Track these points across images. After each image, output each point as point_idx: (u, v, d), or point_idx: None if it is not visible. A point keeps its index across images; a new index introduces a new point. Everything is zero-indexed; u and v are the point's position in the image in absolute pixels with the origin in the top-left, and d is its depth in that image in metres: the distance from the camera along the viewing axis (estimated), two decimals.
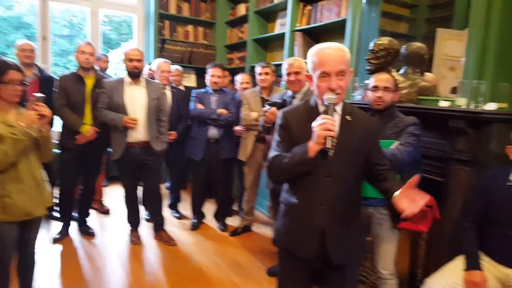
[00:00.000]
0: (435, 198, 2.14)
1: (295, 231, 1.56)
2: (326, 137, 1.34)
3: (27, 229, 2.08)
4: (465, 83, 2.08)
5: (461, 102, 2.07)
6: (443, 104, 2.18)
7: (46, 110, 1.95)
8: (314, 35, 3.88)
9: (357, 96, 2.80)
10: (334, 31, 3.62)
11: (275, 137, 1.60)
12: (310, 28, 3.75)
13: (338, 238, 1.50)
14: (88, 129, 3.10)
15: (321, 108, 1.51)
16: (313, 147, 1.38)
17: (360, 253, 1.67)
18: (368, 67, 2.55)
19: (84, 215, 3.49)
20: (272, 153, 1.56)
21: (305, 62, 2.68)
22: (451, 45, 2.88)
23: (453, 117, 2.03)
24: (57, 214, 3.43)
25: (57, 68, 7.80)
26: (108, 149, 4.12)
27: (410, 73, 2.61)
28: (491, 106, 1.97)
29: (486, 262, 1.85)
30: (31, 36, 7.78)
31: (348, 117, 1.51)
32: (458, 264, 1.88)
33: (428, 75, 2.72)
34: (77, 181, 3.37)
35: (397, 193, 1.40)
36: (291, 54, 3.88)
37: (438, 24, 3.17)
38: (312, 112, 1.52)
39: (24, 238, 2.09)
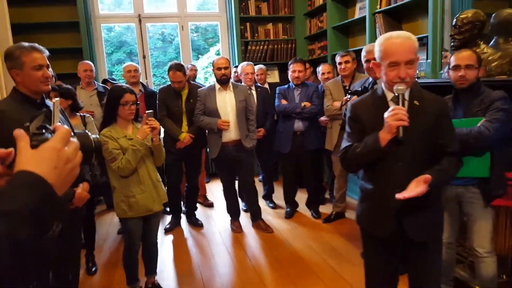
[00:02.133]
0: None
1: (373, 214, 1.66)
2: (398, 127, 1.42)
3: (149, 223, 2.51)
4: None
5: None
6: None
7: (156, 123, 2.38)
8: (395, 15, 3.77)
9: (444, 74, 2.70)
10: (416, 9, 3.49)
11: (346, 129, 1.71)
12: (391, 8, 3.65)
13: (414, 217, 1.57)
14: (185, 136, 3.53)
15: (389, 96, 1.58)
16: (384, 136, 1.47)
17: (438, 230, 1.69)
18: (453, 43, 2.46)
19: (192, 208, 3.97)
20: (344, 143, 1.67)
21: None
22: None
23: None
24: (167, 209, 3.97)
25: (156, 79, 8.68)
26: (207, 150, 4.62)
27: (502, 43, 2.45)
28: None
29: None
30: (130, 52, 8.80)
31: (416, 102, 1.55)
32: None
33: None
34: (181, 179, 3.86)
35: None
36: (373, 37, 3.82)
37: None
38: (380, 101, 1.60)
39: (147, 230, 2.53)
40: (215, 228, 3.82)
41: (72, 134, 0.71)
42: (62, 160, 0.65)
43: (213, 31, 9.53)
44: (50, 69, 1.89)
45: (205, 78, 8.62)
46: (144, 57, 5.40)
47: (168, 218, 3.95)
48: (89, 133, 0.82)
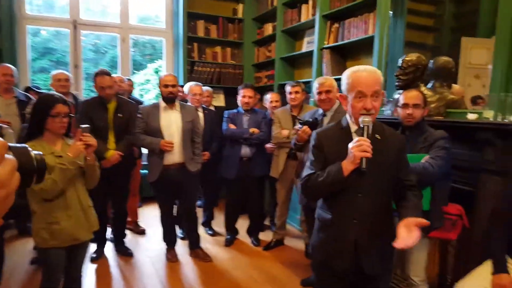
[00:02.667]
0: (465, 207, 2.18)
1: (330, 245, 1.64)
2: (361, 158, 1.43)
3: (74, 254, 2.17)
4: (493, 96, 2.12)
5: (489, 115, 2.11)
6: (471, 116, 2.21)
7: (92, 140, 2.08)
8: (341, 52, 3.96)
9: (387, 111, 2.85)
10: (362, 48, 3.69)
11: (310, 157, 1.70)
12: (338, 45, 3.83)
13: (370, 250, 1.58)
14: (112, 154, 3.23)
15: (353, 128, 1.60)
16: (347, 166, 1.48)
17: (391, 262, 1.73)
18: (397, 83, 2.61)
19: (120, 236, 3.62)
20: (307, 171, 1.65)
21: (335, 80, 2.80)
22: (476, 54, 2.91)
23: (481, 129, 2.07)
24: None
25: (85, 92, 8.19)
26: (142, 171, 4.33)
27: (438, 87, 2.65)
28: None
29: None
30: (57, 61, 8.20)
31: (378, 136, 1.59)
32: (486, 268, 1.93)
33: (455, 87, 2.75)
34: (106, 203, 3.46)
35: (403, 220, 1.47)
36: (319, 71, 3.98)
37: (463, 33, 3.20)
38: (344, 132, 1.62)
39: (72, 263, 2.19)
40: (147, 258, 3.52)
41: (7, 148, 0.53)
42: None
43: (152, 47, 9.28)
44: None
45: (140, 95, 8.31)
46: (76, 66, 5.04)
47: (93, 246, 3.58)
48: (29, 148, 0.61)
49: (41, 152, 0.63)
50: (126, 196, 3.64)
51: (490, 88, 2.19)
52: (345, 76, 1.61)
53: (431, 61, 2.70)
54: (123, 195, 3.56)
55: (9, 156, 0.52)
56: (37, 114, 2.02)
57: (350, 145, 1.48)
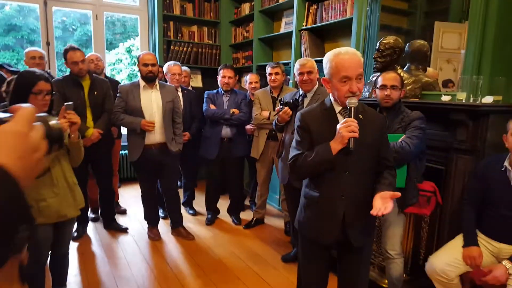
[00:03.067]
0: (438, 185, 2.33)
1: (318, 222, 1.73)
2: (349, 138, 1.51)
3: (61, 231, 2.22)
4: (465, 78, 2.24)
5: (461, 96, 2.24)
6: (445, 98, 2.34)
7: (76, 118, 2.09)
8: (320, 34, 4.01)
9: (364, 93, 2.95)
10: (340, 30, 3.75)
11: (296, 137, 1.76)
12: (316, 27, 3.87)
13: (357, 224, 1.68)
14: (92, 132, 3.20)
15: (338, 109, 1.68)
16: (336, 146, 1.56)
17: (373, 234, 1.85)
18: (375, 65, 2.70)
19: (110, 214, 3.67)
20: (294, 152, 1.72)
21: (315, 61, 2.86)
22: (448, 38, 3.01)
23: (454, 110, 2.19)
24: None
25: (57, 72, 7.90)
26: (122, 152, 4.30)
27: (414, 69, 2.76)
28: (488, 99, 2.14)
29: (482, 239, 2.06)
30: (22, 38, 7.81)
31: (360, 116, 1.67)
32: (458, 242, 2.09)
33: (429, 70, 2.88)
34: (86, 182, 3.40)
35: (378, 193, 1.57)
36: (298, 52, 4.02)
37: (436, 18, 3.31)
38: (328, 113, 1.68)
39: (59, 239, 2.23)
40: (129, 236, 3.56)
41: None
42: (30, 148, 0.52)
43: (122, 25, 8.97)
44: None
45: (112, 75, 8.09)
46: (48, 44, 4.83)
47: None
48: (48, 118, 0.65)
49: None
50: (111, 174, 3.66)
51: (463, 70, 2.32)
52: (327, 60, 1.65)
53: (407, 44, 2.80)
54: (106, 174, 3.57)
55: (37, 123, 0.55)
56: (18, 91, 1.98)
57: (339, 126, 1.55)
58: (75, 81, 3.21)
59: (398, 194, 1.54)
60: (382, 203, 1.52)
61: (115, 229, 3.63)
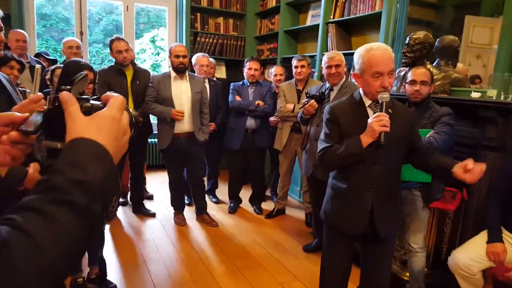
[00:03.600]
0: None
1: (346, 212, 1.78)
2: (380, 132, 1.56)
3: None
4: (497, 75, 2.24)
5: (492, 94, 2.24)
6: (475, 95, 2.34)
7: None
8: (347, 27, 4.00)
9: (392, 88, 2.96)
10: (367, 23, 3.73)
11: (324, 130, 1.81)
12: (343, 20, 3.86)
13: (384, 215, 1.73)
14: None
15: (367, 103, 1.72)
16: (366, 140, 1.61)
17: (397, 226, 1.90)
18: (404, 60, 2.70)
19: (139, 198, 3.83)
20: (323, 144, 1.77)
21: (343, 55, 2.89)
22: (478, 33, 2.96)
23: (484, 107, 2.20)
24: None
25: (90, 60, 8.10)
26: (149, 140, 4.44)
27: (443, 65, 2.76)
28: None
29: (507, 236, 2.08)
30: (50, 27, 8.03)
31: (390, 110, 1.71)
32: (482, 238, 2.11)
33: (459, 66, 2.86)
34: (123, 167, 3.70)
35: (455, 166, 1.57)
36: (324, 46, 4.02)
37: (466, 11, 3.25)
38: (358, 107, 1.73)
39: None
40: (156, 220, 3.71)
41: None
42: (121, 131, 0.60)
43: (146, 15, 9.10)
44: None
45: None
46: (81, 33, 4.99)
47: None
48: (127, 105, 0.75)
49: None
50: (143, 162, 3.85)
51: (495, 67, 2.31)
52: (358, 55, 1.69)
53: (438, 39, 2.79)
54: (140, 161, 3.74)
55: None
56: (65, 80, 2.10)
57: (370, 120, 1.60)
58: (119, 70, 3.41)
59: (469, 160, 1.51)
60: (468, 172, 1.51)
61: (144, 214, 3.78)
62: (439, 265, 2.58)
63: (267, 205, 4.17)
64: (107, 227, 3.42)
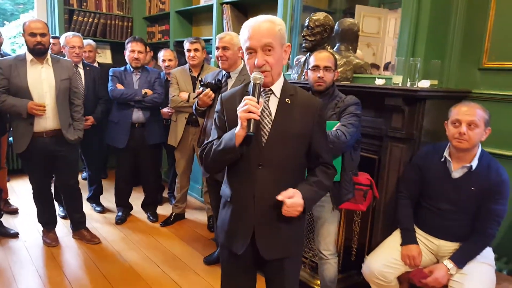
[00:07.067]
0: (372, 175, 2.16)
1: (229, 227, 1.42)
2: (248, 120, 1.22)
3: None
4: (400, 60, 2.07)
5: (397, 80, 2.06)
6: (379, 82, 2.15)
7: None
8: (243, 8, 3.67)
9: (293, 75, 2.68)
10: (265, 4, 3.45)
11: (214, 124, 1.43)
12: (239, 1, 3.53)
13: (267, 231, 1.37)
14: None
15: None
16: (238, 132, 1.25)
17: (298, 246, 1.53)
18: (305, 44, 2.42)
19: None
20: (208, 140, 1.40)
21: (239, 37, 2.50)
22: (368, 22, 2.91)
23: (390, 95, 2.01)
24: None
25: None
26: (11, 139, 3.58)
27: (344, 50, 2.55)
28: (425, 84, 1.99)
29: (420, 235, 1.92)
30: None
31: (287, 100, 1.36)
32: (395, 239, 1.93)
33: (359, 52, 2.71)
34: None
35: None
36: (220, 28, 3.65)
37: (356, 1, 3.19)
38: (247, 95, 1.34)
39: None
40: (19, 242, 2.94)
41: None
42: None
43: None
44: None
45: (13, 49, 7.01)
46: None
47: None
48: None
49: None
50: None
51: (397, 52, 2.15)
52: (241, 30, 1.35)
53: (337, 23, 2.58)
54: None
55: None
56: None
57: (238, 107, 1.25)
58: None
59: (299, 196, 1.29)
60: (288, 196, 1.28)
61: (2, 235, 2.99)
62: (349, 267, 2.41)
63: (165, 209, 3.68)
64: None
